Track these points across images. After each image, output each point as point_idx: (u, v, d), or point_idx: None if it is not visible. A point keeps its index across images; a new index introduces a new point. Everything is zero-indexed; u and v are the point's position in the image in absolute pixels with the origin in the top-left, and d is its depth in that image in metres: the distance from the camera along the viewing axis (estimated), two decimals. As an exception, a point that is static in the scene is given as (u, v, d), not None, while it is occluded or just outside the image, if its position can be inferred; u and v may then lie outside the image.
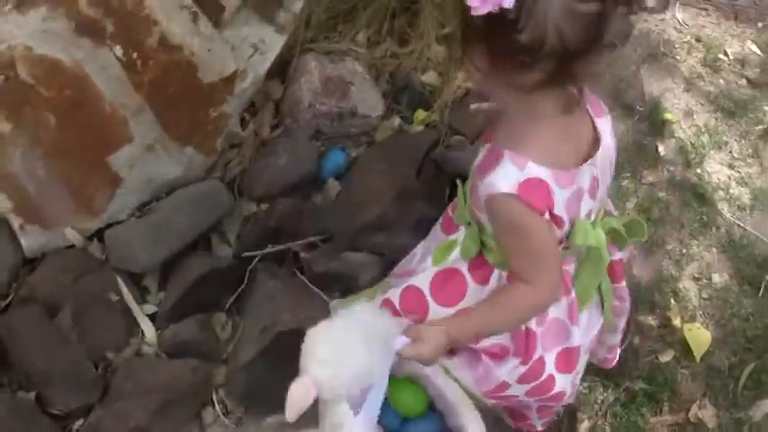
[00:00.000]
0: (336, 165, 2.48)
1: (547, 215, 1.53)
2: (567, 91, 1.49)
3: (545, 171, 1.51)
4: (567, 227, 1.61)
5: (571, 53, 1.36)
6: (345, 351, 1.59)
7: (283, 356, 2.12)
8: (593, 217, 1.68)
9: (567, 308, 1.77)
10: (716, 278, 2.61)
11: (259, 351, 2.12)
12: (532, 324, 1.75)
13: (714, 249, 2.67)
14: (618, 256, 1.85)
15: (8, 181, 2.13)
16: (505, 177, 1.50)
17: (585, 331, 1.87)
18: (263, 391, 2.16)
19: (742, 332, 2.51)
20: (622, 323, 2.03)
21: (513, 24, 1.31)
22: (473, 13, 1.30)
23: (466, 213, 1.76)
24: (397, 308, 1.85)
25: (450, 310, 1.78)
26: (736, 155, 2.89)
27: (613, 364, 2.18)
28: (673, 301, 2.54)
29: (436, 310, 1.81)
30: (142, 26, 2.12)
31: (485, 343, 1.79)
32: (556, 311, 1.76)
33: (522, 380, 1.82)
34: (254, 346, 2.13)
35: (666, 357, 2.43)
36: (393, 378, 1.72)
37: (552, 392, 1.85)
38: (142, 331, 2.23)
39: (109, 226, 2.27)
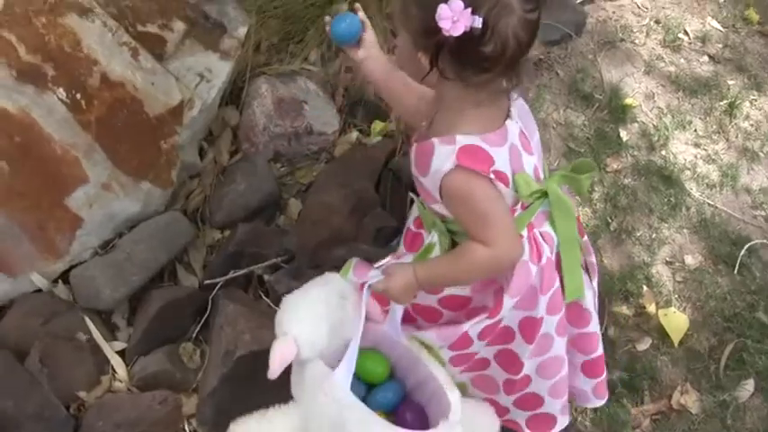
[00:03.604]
0: (351, 28, 1.93)
1: (491, 174, 1.65)
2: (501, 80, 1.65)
3: (473, 138, 1.65)
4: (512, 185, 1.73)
5: (521, 54, 1.58)
6: (322, 310, 1.75)
7: (245, 380, 2.13)
8: (541, 174, 1.83)
9: (539, 274, 1.81)
10: (689, 260, 2.58)
11: (221, 377, 2.12)
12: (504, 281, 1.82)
13: (685, 231, 2.64)
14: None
15: (-33, 232, 2.15)
16: (443, 158, 1.65)
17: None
18: (229, 418, 2.16)
19: (720, 312, 2.48)
20: (595, 283, 2.01)
21: (481, 39, 1.51)
22: (446, 33, 1.49)
23: (429, 217, 1.85)
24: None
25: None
26: (701, 133, 2.86)
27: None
28: (645, 287, 2.51)
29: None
30: (82, 67, 2.15)
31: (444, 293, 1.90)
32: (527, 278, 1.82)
33: (482, 335, 1.87)
34: (217, 373, 2.13)
35: (644, 345, 2.41)
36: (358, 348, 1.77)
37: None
38: (113, 368, 2.24)
39: (74, 266, 2.28)
